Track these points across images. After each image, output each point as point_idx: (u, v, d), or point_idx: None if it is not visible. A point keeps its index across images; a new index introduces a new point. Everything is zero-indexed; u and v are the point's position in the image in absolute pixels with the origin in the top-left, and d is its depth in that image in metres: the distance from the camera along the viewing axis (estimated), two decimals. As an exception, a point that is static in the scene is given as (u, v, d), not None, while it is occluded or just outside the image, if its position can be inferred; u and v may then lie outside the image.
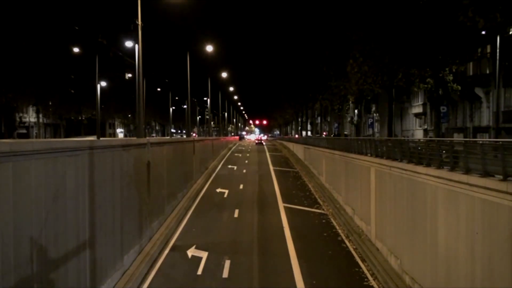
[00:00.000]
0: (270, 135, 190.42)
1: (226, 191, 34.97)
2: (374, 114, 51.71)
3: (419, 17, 20.14)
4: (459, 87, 25.47)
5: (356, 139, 28.24)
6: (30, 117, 62.09)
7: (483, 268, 9.97)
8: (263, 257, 18.82)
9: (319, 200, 31.95)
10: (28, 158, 9.18)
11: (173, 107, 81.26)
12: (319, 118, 72.56)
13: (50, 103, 58.60)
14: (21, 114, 59.08)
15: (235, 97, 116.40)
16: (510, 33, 21.12)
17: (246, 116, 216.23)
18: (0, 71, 40.35)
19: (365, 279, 16.52)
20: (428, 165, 13.48)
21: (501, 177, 9.48)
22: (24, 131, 60.20)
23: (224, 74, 68.46)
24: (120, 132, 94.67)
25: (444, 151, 13.16)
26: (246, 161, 59.78)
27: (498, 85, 23.53)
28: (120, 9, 61.98)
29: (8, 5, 39.31)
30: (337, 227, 23.98)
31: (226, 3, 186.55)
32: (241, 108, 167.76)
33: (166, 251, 19.67)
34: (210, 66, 66.47)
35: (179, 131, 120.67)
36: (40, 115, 60.93)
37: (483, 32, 20.48)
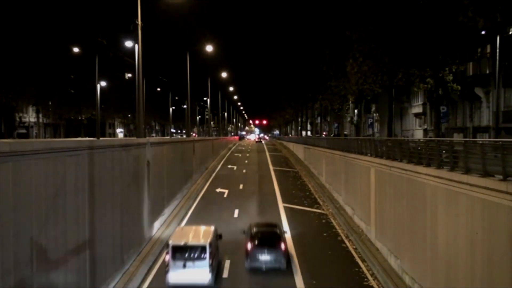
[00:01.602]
0: (269, 135, 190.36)
1: (226, 191, 34.96)
2: (374, 114, 51.61)
3: (419, 17, 20.12)
4: (459, 87, 25.41)
5: (356, 139, 28.24)
6: (30, 117, 62.00)
7: (483, 267, 9.96)
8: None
9: (319, 200, 31.95)
10: (28, 158, 9.18)
11: (173, 107, 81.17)
12: (319, 118, 72.46)
13: (50, 103, 58.50)
14: (21, 114, 59.00)
15: (235, 97, 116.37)
16: (510, 33, 21.11)
17: (246, 116, 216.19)
18: (0, 71, 40.31)
19: (365, 279, 16.52)
20: (428, 165, 13.48)
21: (501, 177, 9.49)
22: (24, 131, 60.11)
23: (224, 74, 68.42)
24: (120, 132, 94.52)
25: (444, 151, 13.16)
26: (246, 161, 59.75)
27: (498, 85, 23.50)
28: (120, 9, 61.91)
29: (8, 5, 39.32)
30: (337, 227, 23.98)
31: (226, 3, 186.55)
32: (241, 108, 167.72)
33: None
34: (210, 66, 66.25)
35: (179, 131, 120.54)
36: (40, 115, 60.87)
37: (483, 32, 20.46)
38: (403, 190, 15.71)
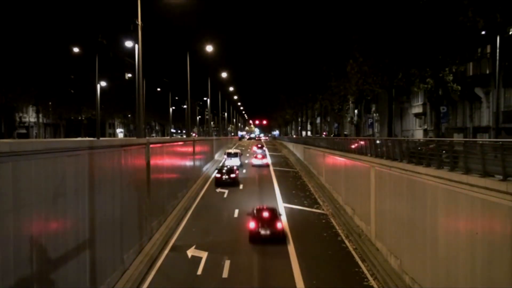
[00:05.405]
0: (269, 135, 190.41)
1: (226, 191, 34.96)
2: (374, 114, 51.59)
3: (419, 17, 20.13)
4: (459, 87, 25.38)
5: (356, 139, 28.24)
6: (30, 117, 61.96)
7: (483, 268, 9.96)
8: (263, 257, 18.83)
9: (319, 200, 31.95)
10: (28, 158, 9.17)
11: (173, 107, 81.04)
12: (319, 118, 72.35)
13: (50, 103, 58.50)
14: (21, 114, 58.97)
15: (235, 97, 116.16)
16: (510, 33, 21.09)
17: (246, 116, 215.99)
18: (0, 71, 40.28)
19: (365, 279, 16.52)
20: (428, 165, 13.48)
21: (501, 177, 9.48)
22: (24, 131, 60.06)
23: (224, 74, 68.30)
24: (120, 132, 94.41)
25: (444, 151, 13.16)
26: (246, 161, 59.71)
27: (498, 85, 23.46)
28: (120, 9, 61.91)
29: (8, 5, 39.31)
30: (337, 227, 23.98)
31: (226, 3, 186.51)
32: (241, 108, 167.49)
33: (166, 251, 19.67)
34: (210, 66, 66.09)
35: (179, 131, 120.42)
36: (40, 115, 60.83)
37: (483, 32, 20.46)
38: (403, 190, 15.71)
